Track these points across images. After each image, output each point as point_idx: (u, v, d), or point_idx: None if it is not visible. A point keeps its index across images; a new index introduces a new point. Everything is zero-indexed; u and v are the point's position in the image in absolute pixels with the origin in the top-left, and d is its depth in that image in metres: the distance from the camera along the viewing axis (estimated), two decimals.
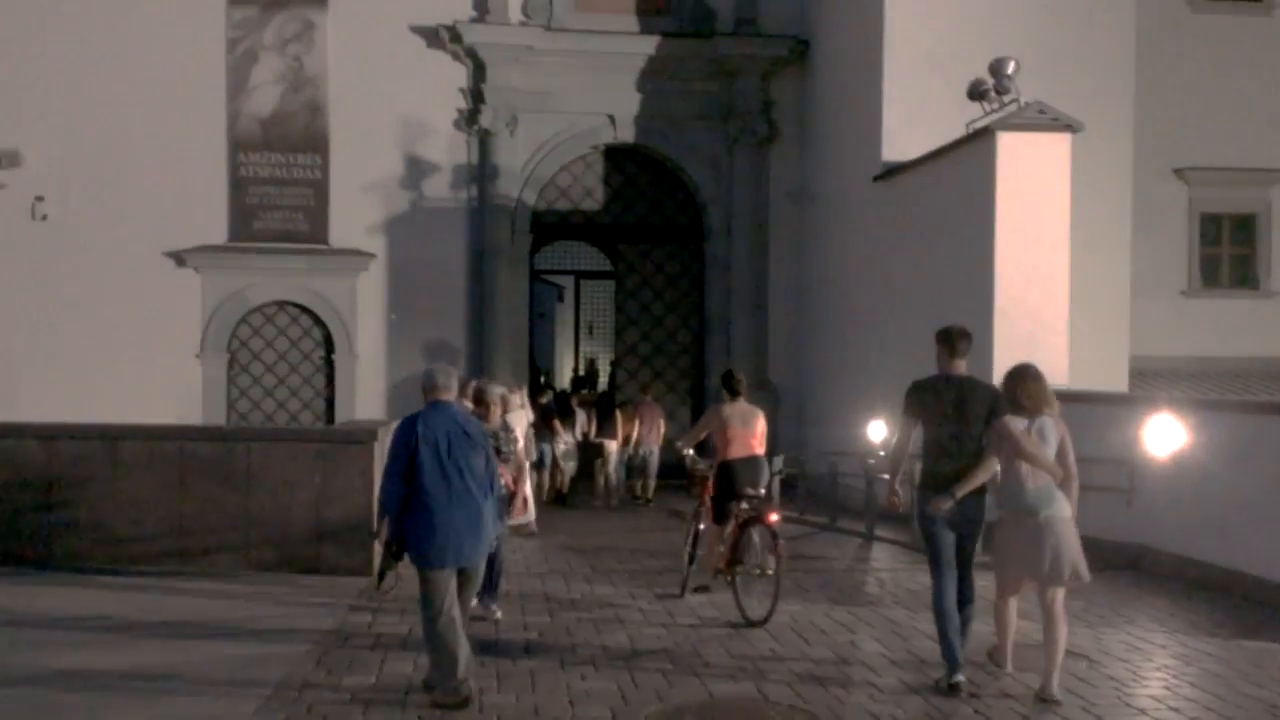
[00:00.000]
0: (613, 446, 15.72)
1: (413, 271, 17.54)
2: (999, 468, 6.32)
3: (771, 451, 9.67)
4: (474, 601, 6.88)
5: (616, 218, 18.87)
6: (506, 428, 8.41)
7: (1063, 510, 6.21)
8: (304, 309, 17.67)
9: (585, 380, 21.05)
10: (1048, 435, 6.25)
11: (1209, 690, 6.40)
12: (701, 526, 8.76)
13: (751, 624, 7.68)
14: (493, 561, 7.70)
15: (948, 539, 6.39)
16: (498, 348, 17.72)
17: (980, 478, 6.33)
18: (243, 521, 9.45)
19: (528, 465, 12.07)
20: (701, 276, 19.00)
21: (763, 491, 8.51)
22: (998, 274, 12.16)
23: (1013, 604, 6.53)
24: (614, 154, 18.67)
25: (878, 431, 13.17)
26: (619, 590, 9.04)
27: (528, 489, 9.81)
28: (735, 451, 8.51)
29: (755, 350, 18.35)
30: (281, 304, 17.67)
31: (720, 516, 8.50)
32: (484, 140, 17.75)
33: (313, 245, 17.46)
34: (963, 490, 6.29)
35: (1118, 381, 14.33)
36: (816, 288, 17.66)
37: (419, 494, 5.82)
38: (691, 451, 8.98)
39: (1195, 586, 9.12)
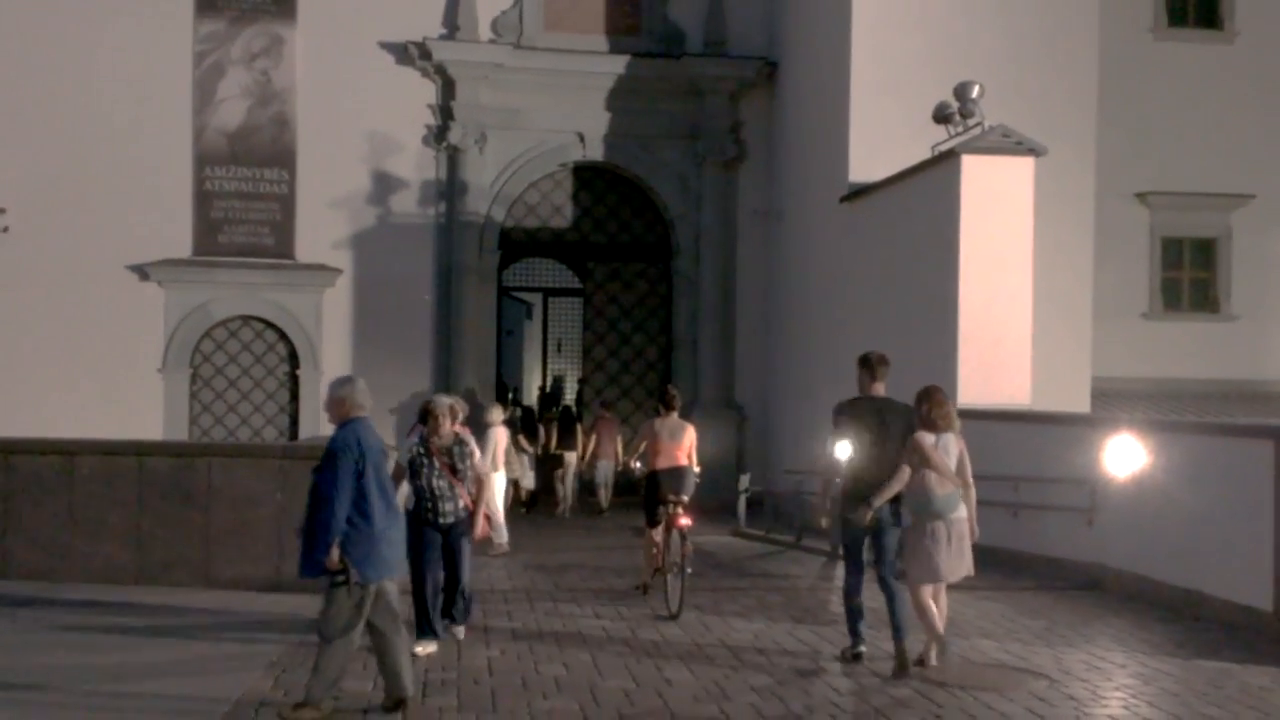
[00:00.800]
0: (571, 459, 16.96)
1: (380, 287, 17.48)
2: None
3: (738, 470, 9.83)
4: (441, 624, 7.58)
5: (585, 235, 18.90)
6: (460, 442, 7.61)
7: (963, 513, 7.31)
8: (269, 324, 17.55)
9: (552, 397, 20.99)
10: (950, 450, 7.30)
11: (1167, 710, 6.43)
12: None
13: (670, 618, 8.66)
14: (457, 582, 7.68)
15: (862, 543, 7.42)
16: (465, 364, 17.67)
17: (895, 487, 7.22)
18: (203, 538, 9.36)
19: (497, 483, 12.21)
20: (669, 294, 19.04)
21: (685, 498, 9.35)
22: (961, 295, 12.25)
23: (928, 595, 7.33)
24: (583, 172, 18.72)
25: (844, 451, 13.20)
26: (584, 609, 9.03)
27: (498, 507, 9.78)
28: (662, 462, 9.58)
29: (722, 368, 18.39)
30: (246, 319, 17.55)
31: (651, 521, 9.59)
32: (453, 157, 17.75)
33: (278, 260, 17.37)
34: (880, 500, 7.21)
35: (1080, 402, 14.47)
36: (784, 307, 17.73)
37: (363, 509, 5.73)
38: (639, 464, 9.99)
39: (1155, 606, 9.18)
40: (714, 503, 16.82)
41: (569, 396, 22.97)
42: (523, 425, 16.94)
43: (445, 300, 17.78)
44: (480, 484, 7.64)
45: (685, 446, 9.61)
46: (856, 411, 7.46)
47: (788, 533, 13.55)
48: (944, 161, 12.56)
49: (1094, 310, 15.31)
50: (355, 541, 5.73)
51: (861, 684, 6.94)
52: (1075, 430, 10.76)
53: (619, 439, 16.56)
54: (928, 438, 7.24)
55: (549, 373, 23.64)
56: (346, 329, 17.59)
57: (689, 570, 8.90)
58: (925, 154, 13.18)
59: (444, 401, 7.62)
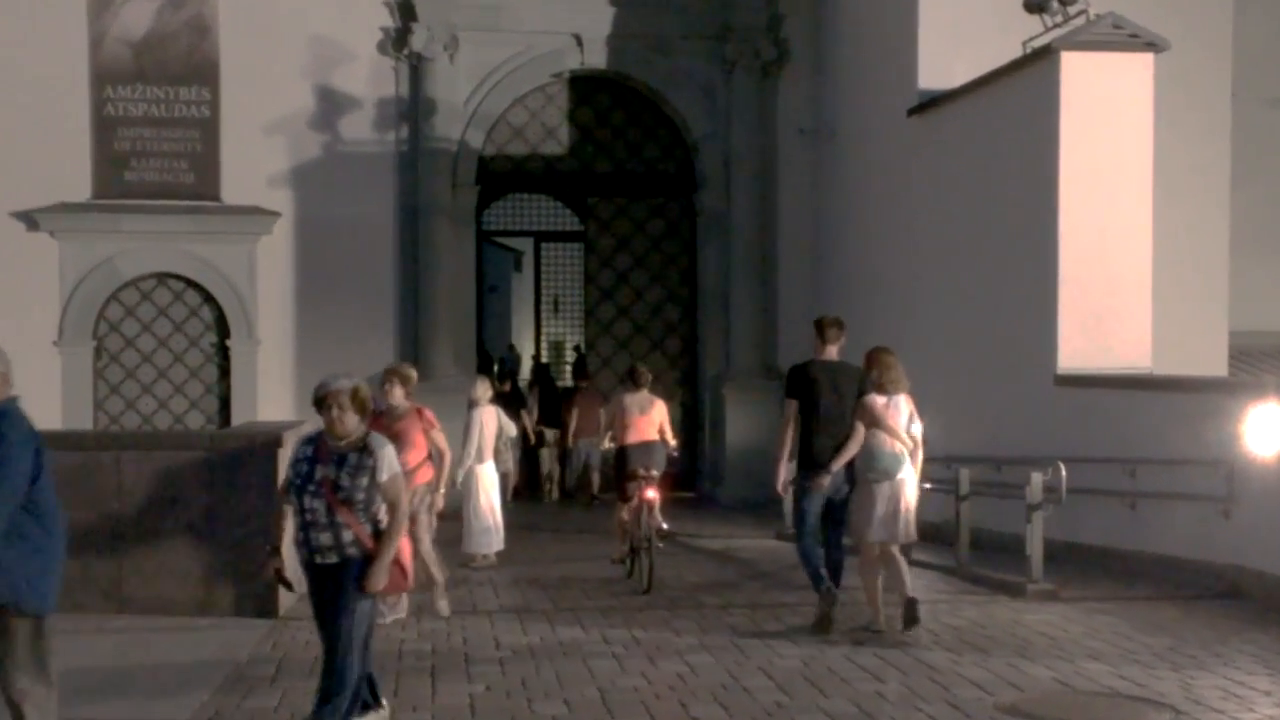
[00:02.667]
0: (552, 436, 18.30)
1: (328, 234, 17.51)
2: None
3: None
4: None
5: (586, 164, 18.88)
6: (364, 449, 6.19)
7: (910, 475, 8.98)
8: (190, 283, 17.63)
9: (546, 369, 21.12)
10: (902, 411, 9.00)
11: None
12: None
13: (643, 593, 10.58)
14: (332, 655, 6.21)
15: (818, 510, 8.94)
16: (437, 330, 17.73)
17: (852, 450, 8.86)
18: (112, 551, 9.44)
19: (485, 476, 12.40)
20: (693, 237, 19.04)
21: (655, 473, 11.43)
22: (1062, 230, 12.22)
23: (872, 556, 9.01)
24: (581, 84, 18.68)
25: (916, 429, 13.24)
26: (589, 634, 9.10)
27: (428, 547, 9.66)
28: (631, 437, 11.67)
29: (760, 328, 18.40)
30: (162, 277, 17.63)
31: (622, 494, 11.68)
32: (416, 68, 17.73)
33: (200, 202, 17.41)
34: (838, 464, 8.82)
35: (1214, 364, 14.44)
36: (837, 249, 17.71)
37: (41, 515, 5.37)
38: (610, 444, 11.88)
39: None
40: (753, 497, 16.94)
41: (566, 365, 23.19)
42: (511, 400, 17.31)
43: (411, 249, 17.81)
44: (395, 510, 6.15)
45: (656, 421, 11.78)
46: (809, 376, 9.04)
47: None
48: (1039, 61, 12.50)
49: (1231, 247, 15.23)
50: (19, 558, 5.28)
51: None
52: (1208, 399, 10.73)
53: (601, 415, 17.04)
54: (878, 399, 8.95)
55: (544, 337, 23.72)
56: (287, 287, 17.65)
57: (660, 544, 11.21)
58: (1015, 52, 13.10)
59: (342, 385, 6.23)
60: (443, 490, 9.86)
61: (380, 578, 6.07)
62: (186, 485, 9.52)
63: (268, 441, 9.63)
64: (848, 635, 8.94)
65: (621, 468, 11.73)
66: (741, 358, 18.34)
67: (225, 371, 17.68)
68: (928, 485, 12.66)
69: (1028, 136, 12.78)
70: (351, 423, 6.14)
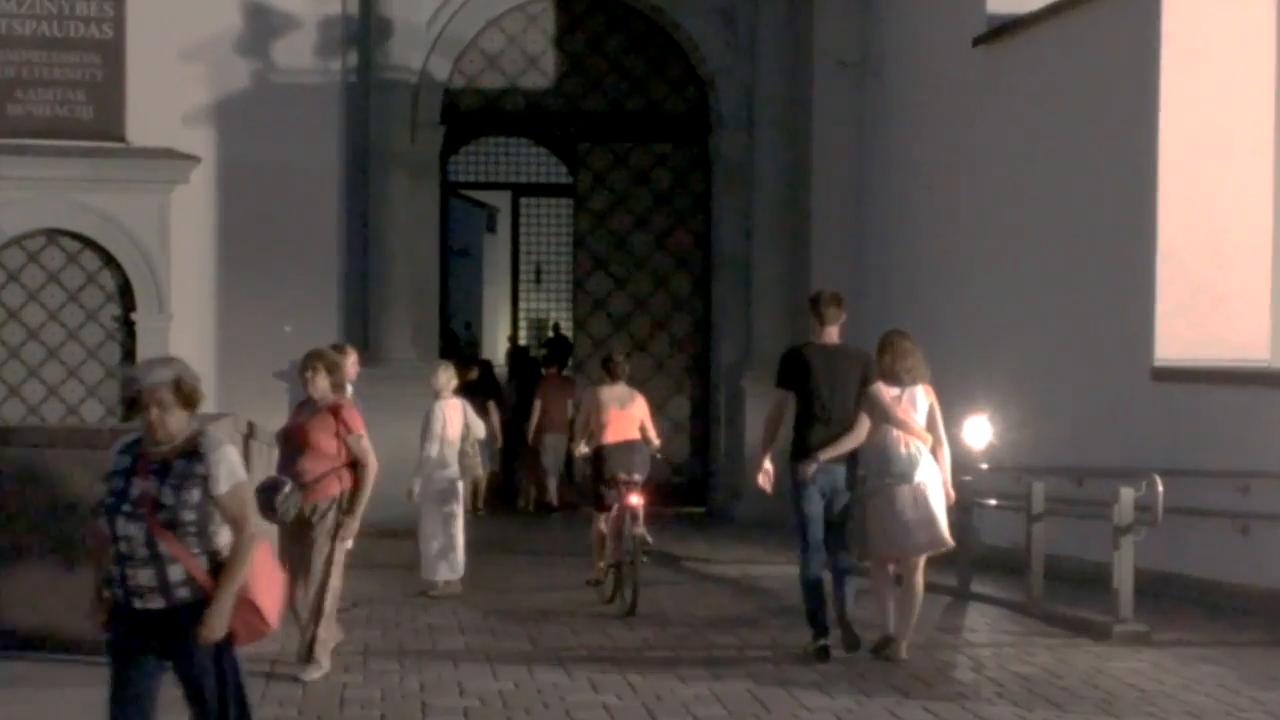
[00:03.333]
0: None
1: (258, 184, 17.45)
2: (867, 435, 9.41)
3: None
4: None
5: (575, 101, 18.86)
6: (192, 454, 5.66)
7: (933, 476, 9.43)
8: (88, 242, 17.57)
9: (524, 353, 21.20)
10: (919, 403, 9.51)
11: None
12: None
13: (628, 613, 11.22)
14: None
15: (818, 514, 9.47)
16: (391, 303, 17.71)
17: (848, 443, 9.40)
18: None
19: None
20: (707, 191, 19.01)
21: (639, 477, 11.93)
22: (1163, 194, 12.23)
23: (886, 573, 9.66)
24: (571, 2, 18.66)
25: (979, 433, 13.26)
26: (574, 680, 9.12)
27: (336, 586, 9.37)
28: (609, 436, 12.11)
29: (789, 304, 18.28)
30: (52, 234, 17.56)
31: (599, 504, 12.25)
32: None
33: (101, 143, 17.36)
34: (829, 454, 9.35)
35: None
36: (884, 210, 17.73)
37: None
38: (586, 449, 12.40)
39: None
40: (777, 515, 16.91)
41: (545, 349, 23.21)
42: (481, 388, 17.41)
43: (360, 204, 17.79)
44: (240, 531, 5.63)
45: (637, 417, 12.30)
46: (803, 361, 9.62)
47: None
48: None
49: None
50: None
51: None
52: None
53: (569, 407, 17.82)
54: (887, 389, 9.46)
55: (522, 314, 23.74)
56: (207, 248, 17.61)
57: (644, 559, 11.65)
58: None
59: (160, 377, 5.65)
60: (359, 513, 9.18)
61: (218, 624, 5.51)
62: (82, 492, 9.46)
63: (189, 439, 9.54)
64: (887, 683, 8.97)
65: (599, 472, 12.17)
66: (766, 341, 18.23)
67: (130, 352, 17.61)
68: (992, 502, 12.74)
69: (1121, 77, 12.77)
70: (176, 423, 5.60)
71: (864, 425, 9.40)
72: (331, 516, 9.05)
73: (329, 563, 9.06)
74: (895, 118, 17.49)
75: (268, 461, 12.22)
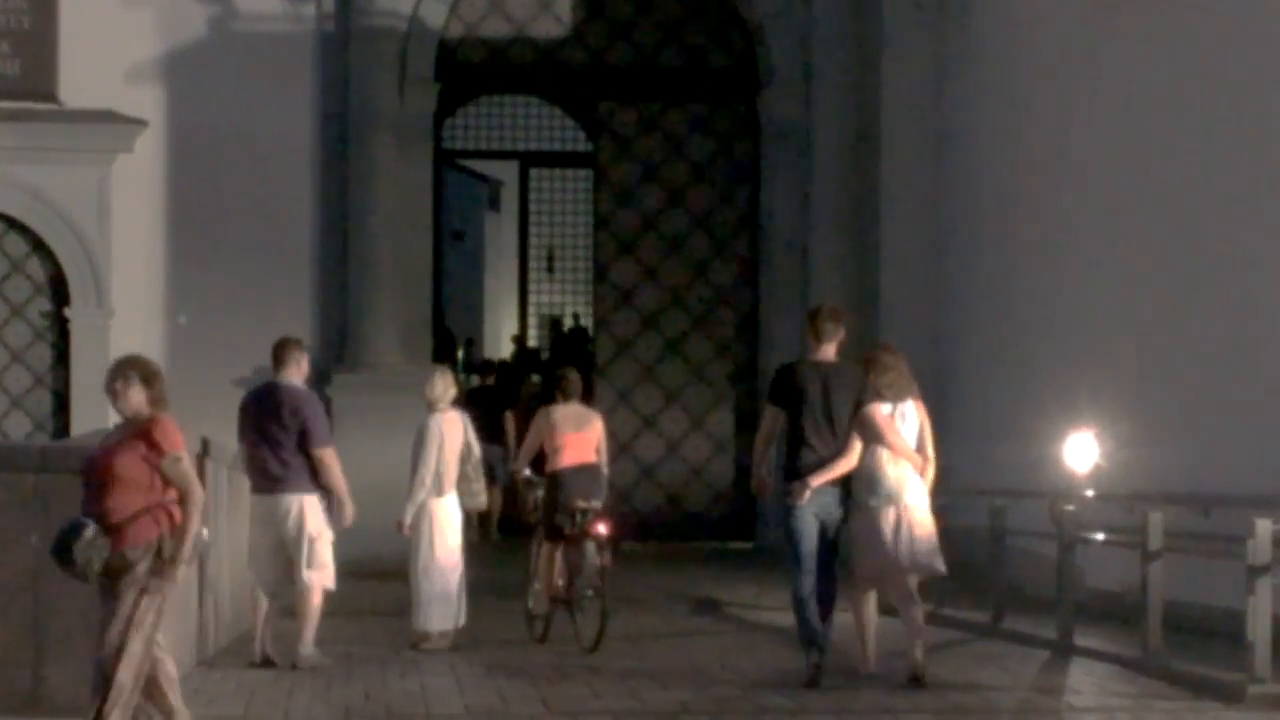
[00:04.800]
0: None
1: (216, 153, 17.56)
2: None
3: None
4: None
5: (597, 54, 19.01)
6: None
7: (921, 498, 10.69)
8: (12, 223, 17.71)
9: (533, 355, 21.26)
10: (909, 420, 10.73)
11: None
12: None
13: (589, 651, 12.10)
14: None
15: (811, 532, 10.52)
16: (375, 296, 17.82)
17: (841, 468, 10.49)
18: None
19: (443, 512, 12.68)
20: (755, 162, 19.13)
21: (597, 504, 12.83)
22: None
23: (872, 599, 10.88)
24: None
25: (1083, 453, 13.24)
26: None
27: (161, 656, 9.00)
28: (567, 459, 13.01)
29: (855, 296, 18.36)
30: None
31: (553, 533, 12.99)
32: None
33: (29, 104, 17.46)
34: (820, 479, 10.42)
35: None
36: (970, 180, 17.72)
37: None
38: (529, 472, 13.36)
39: None
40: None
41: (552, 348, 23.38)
42: (497, 395, 17.86)
43: (337, 177, 17.96)
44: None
45: (594, 440, 13.27)
46: (797, 379, 10.65)
47: (978, 607, 13.75)
48: None
49: None
50: None
51: None
52: None
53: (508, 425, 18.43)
54: (880, 409, 10.62)
55: (531, 310, 23.76)
56: (154, 231, 17.77)
57: (606, 593, 12.29)
58: None
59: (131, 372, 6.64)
60: (181, 560, 8.31)
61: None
62: (9, 524, 9.45)
63: None
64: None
65: (554, 499, 13.04)
66: None
67: (63, 354, 17.72)
68: (1099, 537, 12.70)
69: None
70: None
71: (857, 448, 10.54)
72: (144, 566, 8.21)
73: (129, 623, 8.15)
74: (983, 67, 17.49)
75: (228, 488, 12.32)
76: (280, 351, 11.84)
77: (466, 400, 18.20)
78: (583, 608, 12.53)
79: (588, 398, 18.72)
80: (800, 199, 18.70)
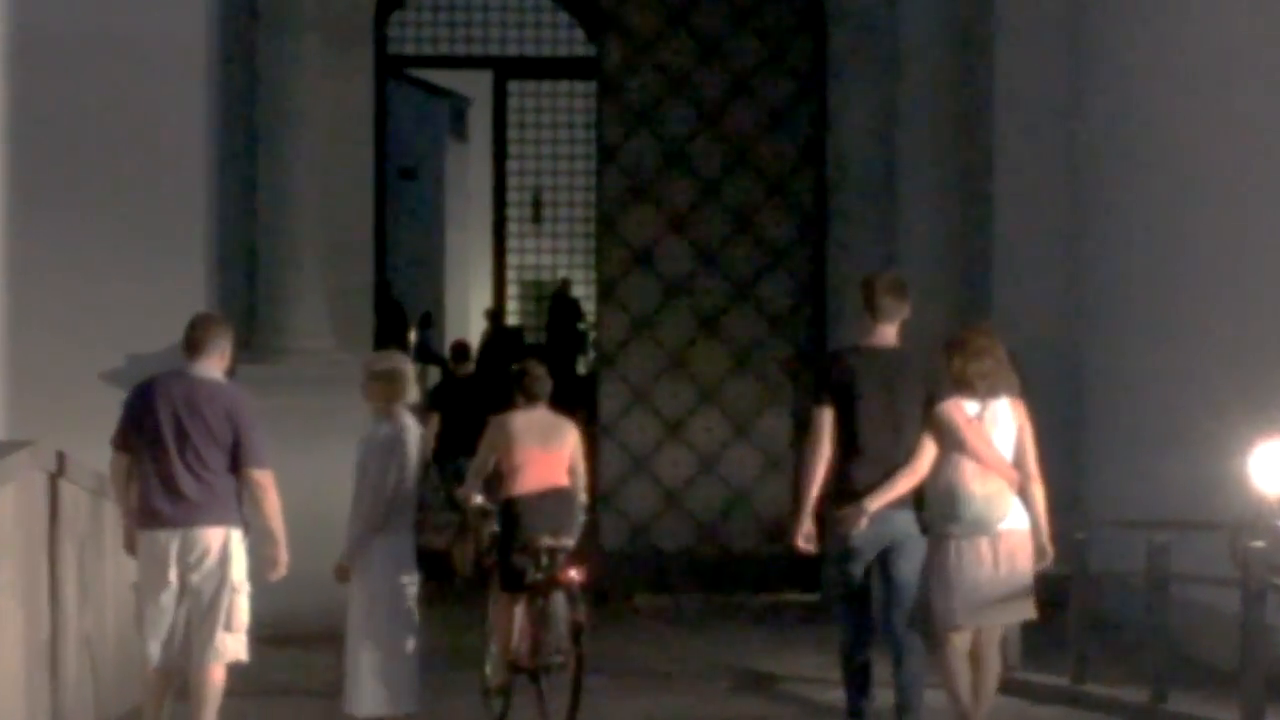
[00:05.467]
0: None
1: (74, 65, 17.55)
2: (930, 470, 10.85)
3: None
4: None
5: None
6: None
7: (1020, 523, 10.94)
8: None
9: (513, 337, 21.32)
10: (1001, 423, 10.96)
11: None
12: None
13: None
14: None
15: (862, 570, 11.01)
16: (294, 257, 17.82)
17: (906, 483, 10.84)
18: None
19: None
20: (821, 67, 19.27)
21: (567, 541, 12.98)
22: None
23: (959, 650, 10.92)
24: None
25: (1275, 471, 13.25)
26: None
27: None
28: (528, 482, 13.18)
29: (961, 259, 18.57)
30: None
31: (510, 581, 13.20)
32: None
33: None
34: (879, 500, 10.75)
35: None
36: (1120, 88, 17.80)
37: None
38: (481, 499, 13.42)
39: None
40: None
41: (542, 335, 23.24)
42: (471, 400, 18.05)
43: (243, 95, 18.07)
44: None
45: (565, 457, 13.40)
46: (846, 370, 11.11)
47: (1133, 680, 13.78)
48: None
49: None
50: None
51: None
52: None
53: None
54: (960, 408, 10.85)
55: (510, 274, 23.71)
56: None
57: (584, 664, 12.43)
58: None
59: None
60: None
61: None
62: None
63: None
64: None
65: (510, 535, 13.26)
66: (922, 316, 18.11)
67: None
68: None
69: None
70: None
71: (927, 457, 10.87)
72: None
73: None
74: None
75: (88, 513, 12.35)
76: (200, 333, 11.68)
77: (432, 398, 18.32)
78: (551, 679, 12.66)
79: (578, 397, 18.94)
80: (882, 121, 18.77)
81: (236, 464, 11.40)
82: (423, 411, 17.24)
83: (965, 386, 10.80)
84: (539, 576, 12.84)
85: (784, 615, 17.31)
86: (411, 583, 12.71)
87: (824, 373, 11.26)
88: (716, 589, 18.99)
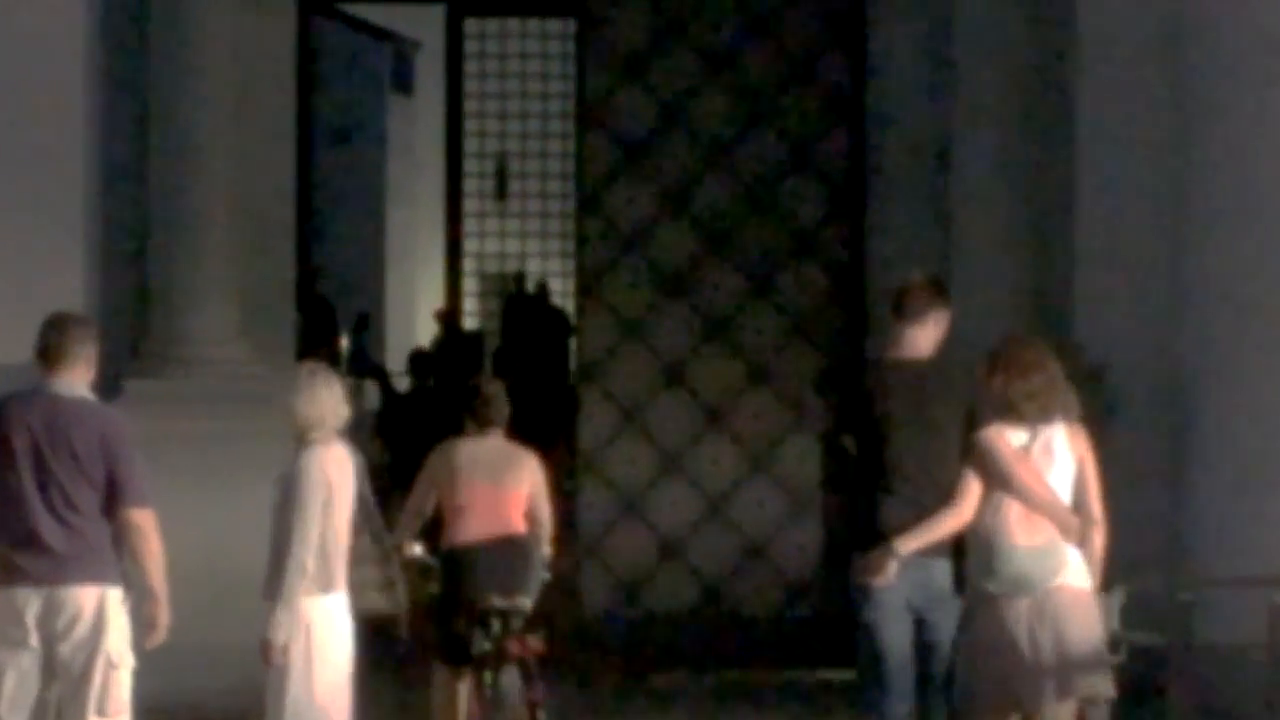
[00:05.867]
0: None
1: None
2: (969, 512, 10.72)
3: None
4: None
5: None
6: None
7: (1077, 579, 10.70)
8: None
9: (471, 343, 21.25)
10: (1057, 456, 10.72)
11: None
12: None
13: None
14: None
15: (900, 631, 10.99)
16: (196, 242, 17.59)
17: (946, 526, 10.71)
18: None
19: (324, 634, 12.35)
20: (855, 25, 19.22)
21: (521, 602, 13.12)
22: None
23: None
24: None
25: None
26: None
27: None
28: (473, 529, 13.45)
29: (1028, 256, 18.38)
30: None
31: (452, 653, 13.36)
32: None
33: None
34: (911, 544, 10.75)
35: None
36: (1233, 60, 17.52)
37: None
38: (420, 549, 13.60)
39: None
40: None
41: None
42: (429, 420, 17.94)
43: (130, 34, 17.90)
44: None
45: (520, 497, 13.70)
46: (872, 388, 11.29)
47: None
48: None
49: None
50: None
51: None
52: None
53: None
54: (1004, 437, 10.67)
55: (466, 264, 23.73)
56: None
57: None
58: None
59: None
60: None
61: None
62: None
63: None
64: None
65: (453, 595, 13.49)
66: (983, 316, 18.04)
67: None
68: None
69: None
70: None
71: (973, 495, 10.62)
72: None
73: None
74: None
75: None
76: (59, 337, 11.14)
77: (380, 422, 18.21)
78: None
79: (553, 418, 18.77)
80: (933, 69, 18.62)
81: (111, 504, 10.93)
82: (366, 437, 17.44)
83: (1009, 410, 10.54)
84: (487, 646, 12.88)
85: (813, 698, 17.02)
86: (344, 660, 12.43)
87: (847, 393, 11.36)
88: (726, 663, 18.63)
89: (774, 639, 17.12)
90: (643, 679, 17.60)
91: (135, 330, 16.54)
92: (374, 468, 15.33)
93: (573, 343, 21.46)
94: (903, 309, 11.01)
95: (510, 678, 12.68)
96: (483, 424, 13.60)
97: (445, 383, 21.14)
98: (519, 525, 13.39)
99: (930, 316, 10.94)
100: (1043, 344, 11.08)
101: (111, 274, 17.71)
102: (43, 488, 10.83)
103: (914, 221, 18.70)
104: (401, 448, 17.90)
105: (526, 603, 12.97)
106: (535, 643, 12.69)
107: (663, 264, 19.36)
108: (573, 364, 20.53)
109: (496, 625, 12.78)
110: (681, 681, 17.81)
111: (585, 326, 19.58)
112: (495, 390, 13.91)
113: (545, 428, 18.49)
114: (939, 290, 11.11)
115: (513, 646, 12.65)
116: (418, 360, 21.34)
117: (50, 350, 11.07)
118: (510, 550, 13.23)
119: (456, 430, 16.83)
